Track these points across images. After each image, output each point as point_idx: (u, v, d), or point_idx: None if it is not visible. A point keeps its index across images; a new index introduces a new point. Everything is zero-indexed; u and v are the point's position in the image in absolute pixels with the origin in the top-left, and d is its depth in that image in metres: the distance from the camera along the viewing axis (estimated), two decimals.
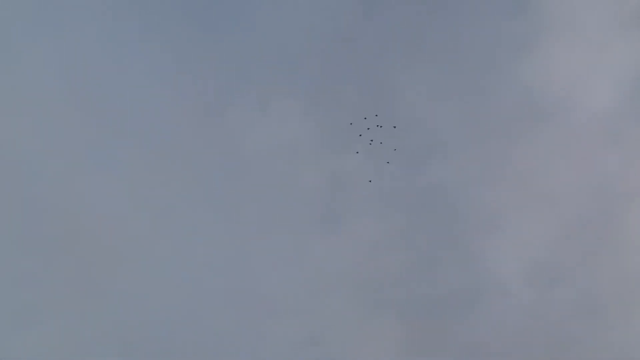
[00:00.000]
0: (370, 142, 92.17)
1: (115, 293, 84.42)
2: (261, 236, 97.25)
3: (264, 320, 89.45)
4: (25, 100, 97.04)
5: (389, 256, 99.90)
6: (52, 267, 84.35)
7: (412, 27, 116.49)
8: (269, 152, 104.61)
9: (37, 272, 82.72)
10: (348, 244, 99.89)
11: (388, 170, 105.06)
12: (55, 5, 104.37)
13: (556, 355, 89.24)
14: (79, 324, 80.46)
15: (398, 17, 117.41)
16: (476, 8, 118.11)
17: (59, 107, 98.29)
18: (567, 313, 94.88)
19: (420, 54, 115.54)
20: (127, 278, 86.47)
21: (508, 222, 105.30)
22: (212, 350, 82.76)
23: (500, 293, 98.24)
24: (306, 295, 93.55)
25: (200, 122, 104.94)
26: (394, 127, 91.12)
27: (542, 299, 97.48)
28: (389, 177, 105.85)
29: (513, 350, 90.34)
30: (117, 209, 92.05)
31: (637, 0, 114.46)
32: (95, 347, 79.46)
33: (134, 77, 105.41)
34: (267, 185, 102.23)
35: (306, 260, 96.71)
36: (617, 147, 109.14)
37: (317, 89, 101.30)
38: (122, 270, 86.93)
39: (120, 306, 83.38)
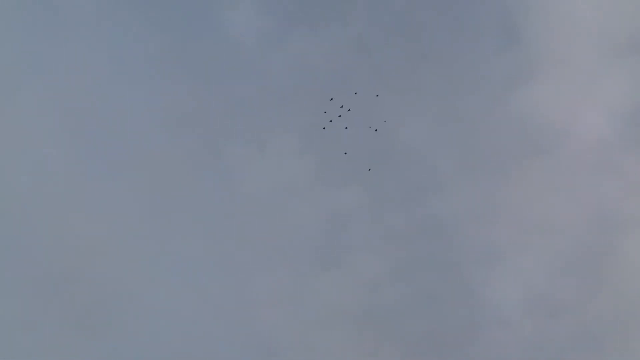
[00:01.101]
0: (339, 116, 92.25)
1: (115, 334, 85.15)
2: (261, 274, 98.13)
3: (266, 358, 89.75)
4: (22, 141, 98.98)
5: (389, 291, 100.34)
6: (51, 309, 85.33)
7: (406, 65, 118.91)
8: (267, 190, 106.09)
9: (36, 314, 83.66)
10: (348, 279, 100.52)
11: (387, 206, 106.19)
12: (60, 50, 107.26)
13: None
14: None
15: (392, 54, 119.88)
16: (469, 44, 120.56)
17: (56, 146, 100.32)
18: (568, 344, 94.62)
19: (416, 91, 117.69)
20: (128, 318, 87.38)
21: (507, 255, 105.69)
22: None
23: (500, 325, 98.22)
24: (307, 331, 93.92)
25: (198, 162, 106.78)
26: (349, 109, 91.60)
27: (542, 330, 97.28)
28: (388, 213, 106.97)
29: None
30: (116, 251, 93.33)
31: (627, 30, 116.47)
32: None
33: (133, 118, 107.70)
34: (266, 223, 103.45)
35: (306, 297, 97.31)
36: (613, 177, 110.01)
37: (313, 126, 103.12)
38: (123, 311, 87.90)
39: (120, 347, 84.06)
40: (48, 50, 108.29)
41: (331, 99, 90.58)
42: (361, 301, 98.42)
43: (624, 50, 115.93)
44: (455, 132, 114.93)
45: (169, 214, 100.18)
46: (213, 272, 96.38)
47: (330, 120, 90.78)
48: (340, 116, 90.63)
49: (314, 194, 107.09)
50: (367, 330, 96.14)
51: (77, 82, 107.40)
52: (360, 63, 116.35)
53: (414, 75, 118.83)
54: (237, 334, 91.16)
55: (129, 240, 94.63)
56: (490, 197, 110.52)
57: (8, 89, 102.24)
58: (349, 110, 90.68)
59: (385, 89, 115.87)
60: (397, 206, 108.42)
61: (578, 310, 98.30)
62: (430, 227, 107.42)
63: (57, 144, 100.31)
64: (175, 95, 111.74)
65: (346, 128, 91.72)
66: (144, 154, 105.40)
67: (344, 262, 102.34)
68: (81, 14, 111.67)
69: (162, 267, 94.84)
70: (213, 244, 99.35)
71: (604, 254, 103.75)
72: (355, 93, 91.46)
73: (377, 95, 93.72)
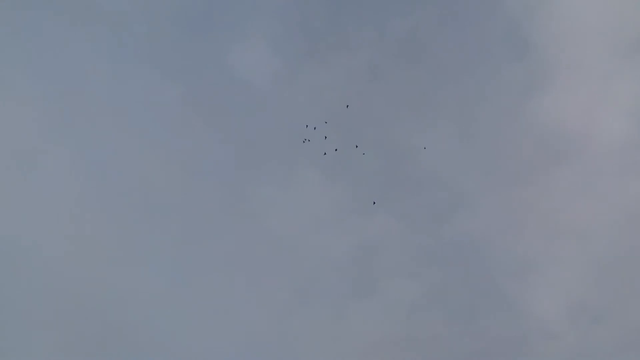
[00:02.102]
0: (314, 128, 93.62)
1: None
2: (299, 308, 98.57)
3: None
4: (49, 198, 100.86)
5: (428, 313, 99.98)
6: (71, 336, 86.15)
7: (418, 86, 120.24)
8: (296, 226, 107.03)
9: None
10: (385, 305, 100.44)
11: (416, 229, 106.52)
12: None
13: None
14: None
15: (404, 77, 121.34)
16: (479, 58, 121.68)
17: (81, 194, 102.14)
18: (615, 348, 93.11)
19: (431, 111, 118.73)
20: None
21: (542, 264, 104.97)
22: None
23: (544, 336, 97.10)
24: None
25: (226, 208, 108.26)
26: (325, 137, 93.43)
27: (588, 337, 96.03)
28: (417, 235, 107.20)
29: None
30: (150, 293, 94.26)
31: (637, 29, 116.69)
32: None
33: (158, 160, 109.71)
34: (298, 258, 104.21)
35: (345, 327, 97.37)
36: (637, 176, 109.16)
37: (335, 156, 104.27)
38: (161, 354, 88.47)
39: None
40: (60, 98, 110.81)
41: (307, 126, 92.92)
42: (400, 326, 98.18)
43: (635, 49, 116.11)
44: (475, 147, 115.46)
45: (204, 259, 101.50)
46: (250, 309, 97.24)
47: (309, 140, 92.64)
48: (315, 128, 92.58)
49: (342, 225, 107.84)
50: (410, 355, 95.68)
51: (96, 136, 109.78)
52: (373, 89, 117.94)
53: (428, 95, 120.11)
54: None
55: (163, 283, 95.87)
56: (518, 208, 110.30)
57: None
58: (325, 138, 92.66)
59: (400, 112, 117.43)
60: (426, 228, 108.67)
61: (621, 312, 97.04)
62: (462, 245, 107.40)
63: (79, 186, 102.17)
64: (195, 142, 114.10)
65: (336, 150, 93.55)
66: (170, 197, 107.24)
67: (379, 288, 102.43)
68: (97, 68, 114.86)
69: (198, 306, 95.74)
70: (249, 283, 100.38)
71: (638, 252, 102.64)
72: (326, 122, 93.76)
73: (347, 106, 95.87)
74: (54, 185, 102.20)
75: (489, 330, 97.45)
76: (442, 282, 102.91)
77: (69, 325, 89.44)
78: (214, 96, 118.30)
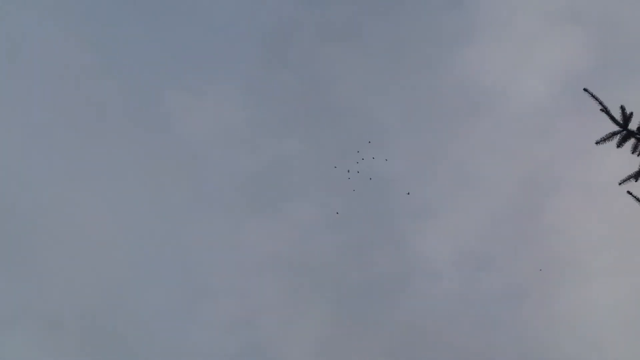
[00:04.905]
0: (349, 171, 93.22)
1: (39, 270, 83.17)
2: (195, 219, 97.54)
3: (197, 301, 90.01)
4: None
5: (323, 240, 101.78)
6: None
7: (348, 16, 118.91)
8: (205, 138, 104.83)
9: None
10: (283, 227, 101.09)
11: (325, 158, 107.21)
12: None
13: (481, 334, 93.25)
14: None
15: (333, 9, 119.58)
16: (412, 3, 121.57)
17: None
18: (492, 296, 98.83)
19: (356, 46, 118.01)
20: (53, 255, 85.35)
21: (440, 210, 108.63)
22: (143, 330, 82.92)
23: (430, 277, 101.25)
24: (240, 277, 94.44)
25: (135, 107, 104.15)
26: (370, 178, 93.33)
27: (471, 283, 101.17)
28: (326, 164, 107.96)
29: (442, 330, 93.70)
30: (49, 189, 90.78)
31: None
32: (17, 323, 78.46)
33: (66, 67, 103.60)
34: (202, 169, 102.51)
35: (241, 242, 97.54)
36: (544, 141, 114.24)
37: (254, 75, 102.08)
38: (48, 247, 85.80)
39: (43, 282, 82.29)
40: None
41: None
42: (294, 249, 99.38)
43: (563, 18, 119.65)
44: (396, 87, 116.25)
45: (104, 157, 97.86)
46: (145, 215, 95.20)
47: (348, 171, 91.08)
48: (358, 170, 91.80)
49: (253, 143, 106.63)
50: (300, 277, 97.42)
51: None
52: (304, 16, 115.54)
53: (358, 29, 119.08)
54: (168, 277, 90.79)
55: (63, 180, 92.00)
56: (428, 154, 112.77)
57: None
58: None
59: (325, 42, 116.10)
60: (336, 158, 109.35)
61: (503, 264, 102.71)
62: (367, 180, 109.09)
63: None
64: (109, 41, 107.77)
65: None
66: (78, 101, 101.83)
67: (278, 210, 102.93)
68: None
69: (94, 208, 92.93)
70: (146, 188, 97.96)
71: (530, 213, 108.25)
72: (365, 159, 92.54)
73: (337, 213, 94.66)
74: None
75: (378, 264, 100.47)
76: (342, 212, 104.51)
77: None
78: None
